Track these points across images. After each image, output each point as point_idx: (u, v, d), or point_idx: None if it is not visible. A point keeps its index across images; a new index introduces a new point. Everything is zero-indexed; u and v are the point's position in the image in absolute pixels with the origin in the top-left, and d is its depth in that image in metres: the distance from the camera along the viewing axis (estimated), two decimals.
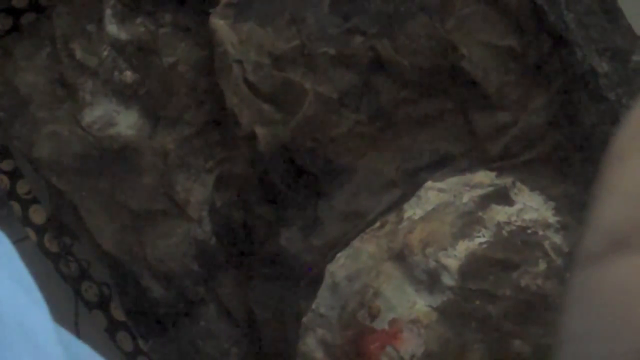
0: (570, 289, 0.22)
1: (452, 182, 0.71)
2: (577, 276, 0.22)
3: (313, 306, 0.70)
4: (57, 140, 0.80)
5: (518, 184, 0.70)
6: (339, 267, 0.70)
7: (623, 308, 0.20)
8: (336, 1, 0.72)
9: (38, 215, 0.86)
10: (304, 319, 0.70)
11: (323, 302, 0.70)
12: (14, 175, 0.87)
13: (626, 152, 0.23)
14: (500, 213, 0.68)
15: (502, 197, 0.69)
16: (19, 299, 0.31)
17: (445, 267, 0.66)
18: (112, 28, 0.80)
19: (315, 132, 0.72)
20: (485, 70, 0.71)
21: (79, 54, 0.81)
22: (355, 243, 0.71)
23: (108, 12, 0.80)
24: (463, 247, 0.66)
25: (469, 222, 0.68)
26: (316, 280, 0.71)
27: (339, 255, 0.71)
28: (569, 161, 0.71)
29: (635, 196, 0.21)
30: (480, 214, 0.68)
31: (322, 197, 0.73)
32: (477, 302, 0.65)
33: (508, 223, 0.67)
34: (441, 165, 0.72)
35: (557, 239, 0.67)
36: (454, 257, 0.66)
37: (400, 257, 0.68)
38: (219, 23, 0.74)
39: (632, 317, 0.20)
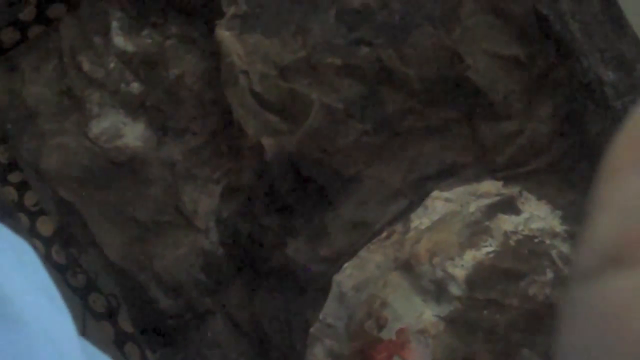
0: (566, 305, 0.22)
1: (458, 191, 0.71)
2: (572, 292, 0.22)
3: (320, 316, 0.70)
4: (64, 152, 0.80)
5: (525, 193, 0.70)
6: (346, 277, 0.70)
7: (618, 324, 0.20)
8: (342, 12, 0.73)
9: (45, 226, 0.86)
10: (312, 329, 0.70)
11: (330, 312, 0.70)
12: (22, 187, 0.87)
13: (619, 166, 0.22)
14: (507, 222, 0.68)
15: (508, 206, 0.69)
16: (45, 307, 0.31)
17: (452, 277, 0.66)
18: (119, 40, 0.80)
19: (321, 143, 0.72)
20: (491, 79, 0.71)
21: (86, 66, 0.81)
22: (362, 253, 0.71)
23: (115, 24, 0.80)
24: (470, 257, 0.66)
25: (476, 231, 0.67)
26: (323, 290, 0.71)
27: (345, 265, 0.71)
28: (576, 170, 0.71)
29: (628, 211, 0.21)
30: (487, 223, 0.68)
31: (329, 207, 0.73)
32: (485, 312, 0.65)
33: (515, 232, 0.67)
34: (448, 174, 0.72)
35: (564, 247, 0.67)
36: (461, 266, 0.66)
37: (407, 267, 0.68)
38: (225, 34, 0.74)
39: (627, 333, 0.20)
